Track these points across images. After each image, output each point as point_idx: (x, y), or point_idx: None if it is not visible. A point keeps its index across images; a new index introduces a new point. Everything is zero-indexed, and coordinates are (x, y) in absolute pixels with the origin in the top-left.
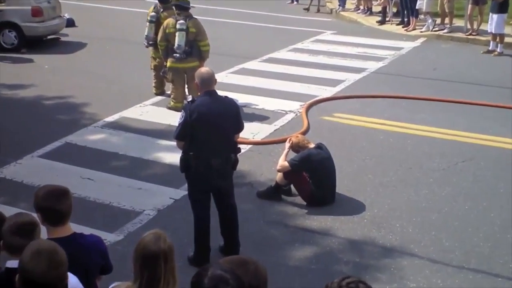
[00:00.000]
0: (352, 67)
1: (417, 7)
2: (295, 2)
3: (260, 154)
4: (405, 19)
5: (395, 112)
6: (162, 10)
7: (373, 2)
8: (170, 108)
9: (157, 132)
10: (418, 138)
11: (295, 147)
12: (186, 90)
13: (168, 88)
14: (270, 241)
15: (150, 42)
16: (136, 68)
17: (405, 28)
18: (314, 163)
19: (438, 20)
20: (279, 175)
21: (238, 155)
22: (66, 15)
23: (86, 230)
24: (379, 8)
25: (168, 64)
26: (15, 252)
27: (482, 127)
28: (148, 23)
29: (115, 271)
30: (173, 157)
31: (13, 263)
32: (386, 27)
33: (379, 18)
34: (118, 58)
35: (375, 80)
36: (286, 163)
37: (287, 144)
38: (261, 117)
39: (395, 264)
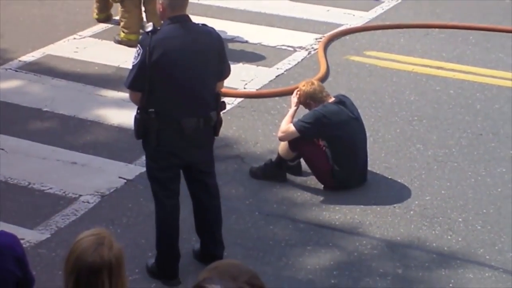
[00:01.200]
0: None
1: None
2: None
3: (255, 112)
4: None
5: (459, 50)
6: None
7: None
8: (120, 42)
9: (99, 78)
10: (493, 90)
11: (306, 100)
12: (144, 14)
13: (116, 11)
14: (269, 242)
15: None
16: None
17: None
18: (334, 126)
19: None
20: (283, 144)
21: (221, 113)
22: None
23: None
24: None
25: None
26: None
27: None
28: None
29: (38, 287)
30: (124, 116)
31: None
32: None
33: None
34: None
35: (429, 2)
36: (292, 127)
37: (294, 98)
38: (256, 56)
39: (456, 278)
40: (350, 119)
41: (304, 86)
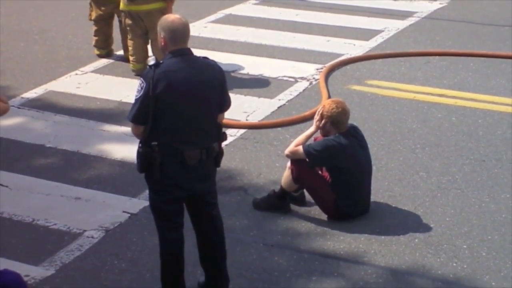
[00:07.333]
0: (394, 9)
1: None
2: None
3: (258, 143)
4: None
5: (459, 77)
6: None
7: None
8: (134, 72)
9: (102, 113)
10: (495, 116)
11: (327, 125)
12: (150, 47)
13: (118, 46)
14: (275, 273)
15: None
16: (70, 19)
17: None
18: (344, 159)
19: None
20: (285, 176)
21: (223, 144)
22: None
23: None
24: None
25: (121, 5)
26: None
27: None
28: None
29: None
30: (127, 150)
31: None
32: None
33: None
34: (43, 4)
35: (429, 30)
36: (301, 150)
37: (317, 116)
38: (258, 87)
39: None
40: (360, 152)
41: (329, 104)
